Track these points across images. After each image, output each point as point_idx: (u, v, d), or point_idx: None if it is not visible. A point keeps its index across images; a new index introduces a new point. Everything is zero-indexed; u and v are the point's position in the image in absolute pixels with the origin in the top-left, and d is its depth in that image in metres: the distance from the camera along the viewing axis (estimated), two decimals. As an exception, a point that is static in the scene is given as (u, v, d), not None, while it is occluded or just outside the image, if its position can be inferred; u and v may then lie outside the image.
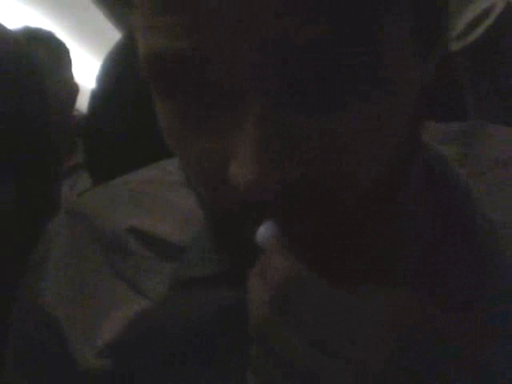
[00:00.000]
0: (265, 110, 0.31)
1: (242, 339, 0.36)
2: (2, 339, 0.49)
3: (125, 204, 0.48)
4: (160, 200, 0.47)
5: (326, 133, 0.32)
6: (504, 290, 0.41)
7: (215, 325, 0.42)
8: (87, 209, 0.49)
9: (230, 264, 0.41)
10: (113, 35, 2.62)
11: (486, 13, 1.05)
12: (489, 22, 1.03)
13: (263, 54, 0.30)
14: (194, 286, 0.43)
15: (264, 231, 0.32)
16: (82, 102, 1.24)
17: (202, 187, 0.36)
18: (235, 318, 0.41)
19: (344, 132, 0.32)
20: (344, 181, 0.33)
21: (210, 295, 0.42)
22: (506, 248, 0.42)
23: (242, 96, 0.31)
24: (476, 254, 0.42)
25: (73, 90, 1.43)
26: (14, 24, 1.14)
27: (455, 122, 0.50)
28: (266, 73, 0.30)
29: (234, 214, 0.34)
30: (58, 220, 0.50)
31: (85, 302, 0.45)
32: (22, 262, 0.50)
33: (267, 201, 0.31)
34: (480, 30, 1.03)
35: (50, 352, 0.46)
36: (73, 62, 1.44)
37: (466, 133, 0.47)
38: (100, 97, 0.83)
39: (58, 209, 0.52)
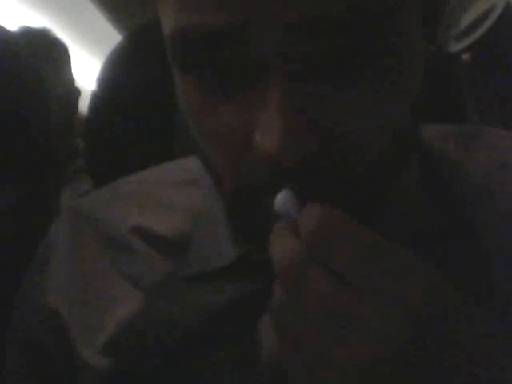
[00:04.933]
0: (290, 81, 0.32)
1: (245, 332, 0.36)
2: (3, 338, 0.49)
3: (126, 203, 0.48)
4: (161, 198, 0.47)
5: (344, 105, 0.33)
6: (503, 289, 0.41)
7: (217, 320, 0.42)
8: (89, 209, 0.49)
9: (244, 250, 0.41)
10: (113, 37, 2.62)
11: (486, 14, 1.05)
12: (489, 22, 1.04)
13: (294, 27, 0.31)
14: (195, 282, 0.43)
15: (282, 198, 0.33)
16: (83, 104, 1.24)
17: (223, 162, 0.36)
18: (239, 310, 0.41)
19: (361, 106, 0.34)
20: (356, 152, 0.34)
21: (212, 290, 0.43)
22: (505, 248, 0.42)
23: (267, 68, 0.32)
24: (475, 254, 0.42)
25: (74, 91, 1.43)
26: (13, 24, 1.14)
27: (455, 123, 0.50)
28: (294, 45, 0.32)
29: (255, 188, 0.35)
30: (60, 220, 0.50)
31: (87, 300, 0.46)
32: (23, 263, 0.50)
33: (290, 169, 0.32)
34: (480, 31, 1.04)
35: (52, 350, 0.46)
36: (72, 63, 1.44)
37: (466, 134, 0.48)
38: (100, 98, 0.83)
39: (58, 211, 0.52)
